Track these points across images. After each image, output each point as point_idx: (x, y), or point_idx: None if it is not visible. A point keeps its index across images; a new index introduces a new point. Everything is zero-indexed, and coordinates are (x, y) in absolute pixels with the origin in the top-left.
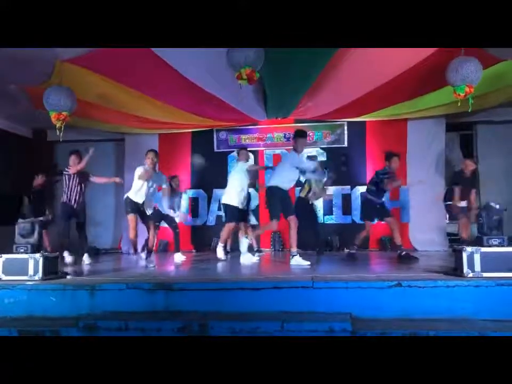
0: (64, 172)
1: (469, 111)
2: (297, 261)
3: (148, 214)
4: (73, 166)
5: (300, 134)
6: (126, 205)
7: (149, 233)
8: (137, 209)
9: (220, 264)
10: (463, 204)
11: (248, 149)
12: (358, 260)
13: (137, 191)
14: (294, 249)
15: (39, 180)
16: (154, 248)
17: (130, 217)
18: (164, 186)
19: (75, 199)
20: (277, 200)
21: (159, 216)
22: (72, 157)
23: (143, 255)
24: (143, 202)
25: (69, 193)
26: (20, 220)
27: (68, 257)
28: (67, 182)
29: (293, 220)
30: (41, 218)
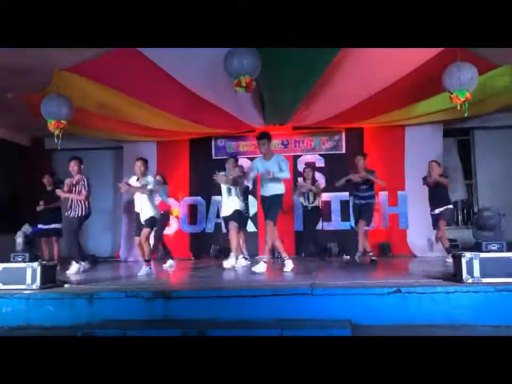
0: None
1: (465, 115)
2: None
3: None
4: (74, 174)
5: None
6: None
7: (154, 239)
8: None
9: (218, 272)
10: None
11: (238, 157)
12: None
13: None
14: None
15: (46, 181)
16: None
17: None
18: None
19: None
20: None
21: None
22: (71, 163)
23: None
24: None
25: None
26: (25, 226)
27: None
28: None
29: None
30: (53, 226)
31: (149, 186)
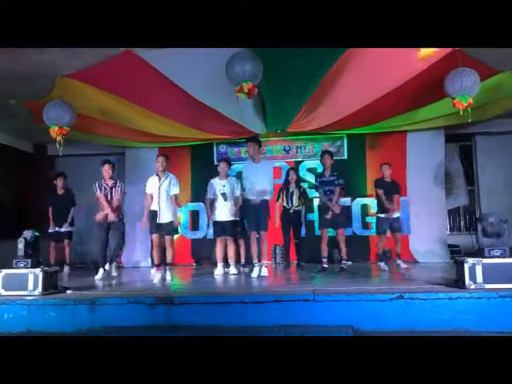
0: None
1: (469, 121)
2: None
3: (162, 222)
4: (108, 178)
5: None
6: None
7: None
8: (156, 226)
9: (221, 278)
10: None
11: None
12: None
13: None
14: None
15: (59, 182)
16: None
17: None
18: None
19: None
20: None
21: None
22: (105, 167)
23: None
24: (159, 209)
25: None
26: (26, 232)
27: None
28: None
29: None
30: (64, 228)
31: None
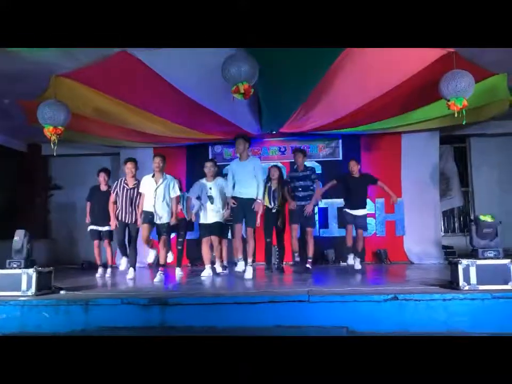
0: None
1: (463, 123)
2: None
3: (158, 223)
4: (130, 176)
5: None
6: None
7: (159, 245)
8: (148, 218)
9: (215, 279)
10: (361, 212)
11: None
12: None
13: (147, 201)
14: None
15: (101, 178)
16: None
17: (142, 226)
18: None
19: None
20: None
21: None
22: (128, 165)
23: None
24: (155, 211)
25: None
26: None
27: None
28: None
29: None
30: (107, 228)
31: (172, 186)
